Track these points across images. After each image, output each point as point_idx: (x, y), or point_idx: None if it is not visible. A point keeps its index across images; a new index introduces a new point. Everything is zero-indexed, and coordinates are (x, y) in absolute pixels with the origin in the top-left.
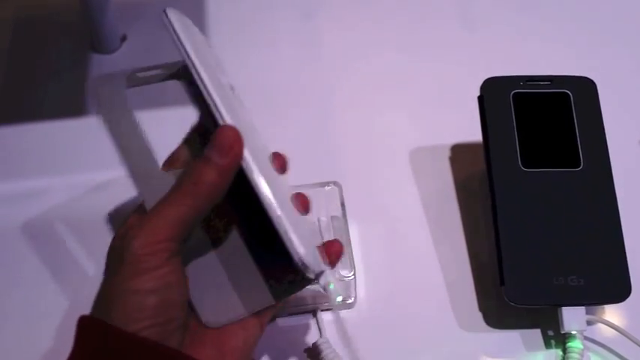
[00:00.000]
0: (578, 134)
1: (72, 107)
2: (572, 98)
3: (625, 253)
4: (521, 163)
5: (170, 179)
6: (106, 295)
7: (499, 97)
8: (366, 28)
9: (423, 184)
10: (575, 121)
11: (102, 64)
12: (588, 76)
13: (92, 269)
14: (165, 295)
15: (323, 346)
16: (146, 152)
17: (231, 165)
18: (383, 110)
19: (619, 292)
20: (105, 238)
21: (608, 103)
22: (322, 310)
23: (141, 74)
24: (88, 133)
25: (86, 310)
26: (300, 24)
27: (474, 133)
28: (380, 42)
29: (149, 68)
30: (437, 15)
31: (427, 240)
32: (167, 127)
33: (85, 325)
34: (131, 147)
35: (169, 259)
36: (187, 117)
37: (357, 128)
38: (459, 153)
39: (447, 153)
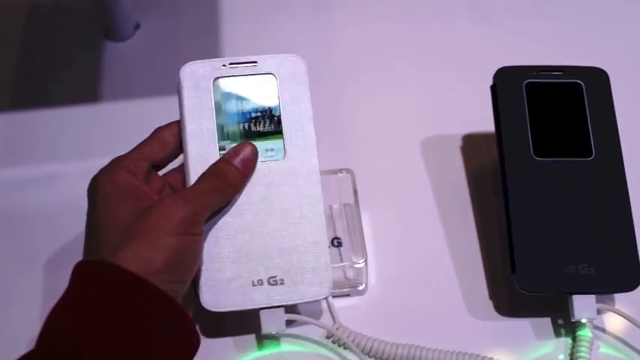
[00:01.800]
0: (590, 124)
1: (85, 94)
2: (584, 88)
3: (635, 242)
4: (534, 152)
5: None
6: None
7: (512, 86)
8: (380, 19)
9: (434, 173)
10: (587, 110)
11: (115, 52)
12: (601, 67)
13: None
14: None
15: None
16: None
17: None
18: (395, 99)
19: (629, 281)
20: None
21: (620, 93)
22: (334, 297)
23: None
24: (100, 119)
25: None
26: (315, 16)
27: (484, 124)
28: (392, 34)
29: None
30: (449, 6)
31: (438, 228)
32: None
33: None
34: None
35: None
36: None
37: (370, 117)
38: (470, 143)
39: (459, 143)
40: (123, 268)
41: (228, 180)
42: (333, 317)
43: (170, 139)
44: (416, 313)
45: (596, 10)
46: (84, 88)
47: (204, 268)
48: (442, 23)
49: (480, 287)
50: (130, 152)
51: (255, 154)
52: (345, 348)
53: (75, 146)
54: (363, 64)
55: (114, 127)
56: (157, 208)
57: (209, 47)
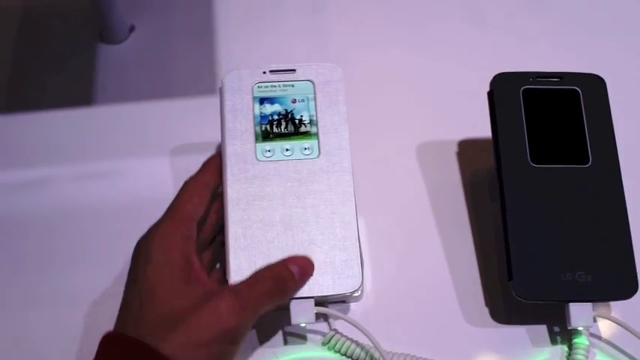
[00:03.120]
0: (587, 131)
1: (79, 97)
2: (581, 95)
3: (632, 250)
4: (531, 159)
5: (270, 169)
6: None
7: (509, 92)
8: (374, 23)
9: (430, 179)
10: (585, 117)
11: (109, 55)
12: (599, 74)
13: (96, 258)
14: None
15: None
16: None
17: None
18: (391, 104)
19: (626, 289)
20: (108, 227)
21: (618, 101)
22: (330, 303)
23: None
24: (94, 122)
25: (93, 297)
26: (310, 18)
27: (480, 130)
28: (388, 37)
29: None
30: (445, 10)
31: (434, 234)
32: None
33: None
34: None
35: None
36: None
37: (366, 121)
38: (466, 149)
39: (454, 148)
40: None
41: (286, 288)
42: (328, 323)
43: (204, 191)
44: (412, 319)
45: (596, 16)
46: (78, 91)
47: (231, 257)
48: (438, 29)
49: (476, 294)
50: (175, 211)
51: (312, 267)
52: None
53: (69, 149)
54: (357, 68)
55: (108, 131)
56: (211, 307)
57: (204, 49)
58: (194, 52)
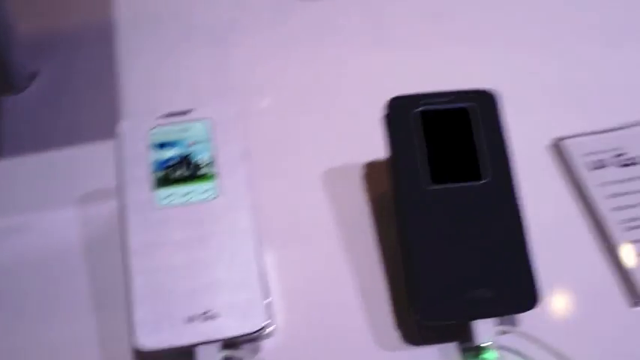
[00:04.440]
0: (481, 147)
1: None
2: (474, 112)
3: (532, 262)
4: (427, 180)
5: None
6: None
7: (404, 115)
8: (275, 45)
9: (337, 204)
10: (478, 134)
11: (11, 105)
12: (494, 87)
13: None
14: None
15: None
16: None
17: None
18: (295, 131)
19: (528, 302)
20: (21, 281)
21: (516, 112)
22: (241, 343)
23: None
24: (2, 176)
25: None
26: (214, 57)
27: (385, 151)
28: (291, 64)
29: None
30: (348, 31)
31: (343, 261)
32: None
33: None
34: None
35: None
36: None
37: (270, 152)
38: (372, 171)
39: (360, 171)
40: None
41: None
42: None
43: None
44: (324, 349)
45: (490, 34)
46: None
47: (137, 307)
48: (341, 49)
49: (387, 317)
50: None
51: None
52: None
53: None
54: (259, 96)
55: (13, 184)
56: None
57: (108, 95)
58: (99, 97)
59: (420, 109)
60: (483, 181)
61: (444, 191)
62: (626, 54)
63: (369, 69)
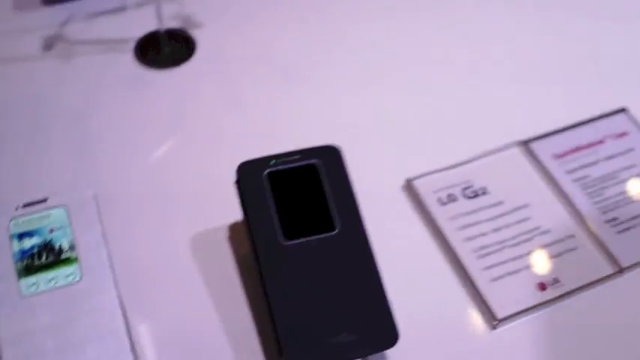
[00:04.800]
0: (330, 200)
1: None
2: (320, 167)
3: (388, 303)
4: (283, 237)
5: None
6: None
7: (254, 178)
8: (133, 136)
9: (206, 270)
10: (326, 188)
11: None
12: (346, 135)
13: None
14: None
15: None
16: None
17: None
18: (159, 200)
19: (388, 340)
20: None
21: (368, 157)
22: None
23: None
24: None
25: None
26: (73, 149)
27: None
28: (143, 130)
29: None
30: (202, 94)
31: (216, 324)
32: None
33: None
34: None
35: None
36: None
37: (132, 225)
38: (236, 232)
39: (226, 233)
40: None
41: None
42: None
43: None
44: None
45: (333, 87)
46: None
47: None
48: (199, 116)
49: None
50: None
51: None
52: None
53: None
54: (117, 177)
55: None
56: None
57: None
58: None
59: (268, 170)
60: (335, 232)
61: (299, 245)
62: (463, 92)
63: (222, 131)
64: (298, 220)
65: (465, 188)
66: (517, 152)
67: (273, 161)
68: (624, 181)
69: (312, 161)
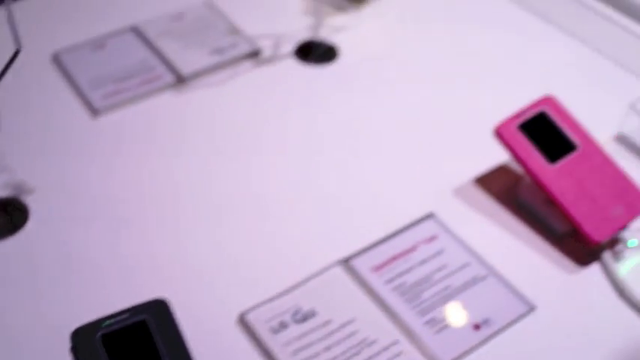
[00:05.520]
0: (162, 353)
1: None
2: (150, 322)
3: None
4: None
5: None
6: None
7: (89, 342)
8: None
9: None
10: (157, 342)
11: None
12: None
13: None
14: None
15: None
16: None
17: None
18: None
19: None
20: None
21: (204, 294)
22: None
23: None
24: None
25: None
26: None
27: None
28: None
29: None
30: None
31: None
32: None
33: None
34: None
35: None
36: None
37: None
38: None
39: None
40: None
41: None
42: None
43: None
44: None
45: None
46: None
47: None
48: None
49: None
50: None
51: None
52: None
53: None
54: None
55: None
56: None
57: None
58: None
59: (100, 333)
60: None
61: None
62: (284, 216)
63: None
64: None
65: (294, 313)
66: (339, 271)
67: (106, 322)
68: (438, 282)
69: (143, 317)
